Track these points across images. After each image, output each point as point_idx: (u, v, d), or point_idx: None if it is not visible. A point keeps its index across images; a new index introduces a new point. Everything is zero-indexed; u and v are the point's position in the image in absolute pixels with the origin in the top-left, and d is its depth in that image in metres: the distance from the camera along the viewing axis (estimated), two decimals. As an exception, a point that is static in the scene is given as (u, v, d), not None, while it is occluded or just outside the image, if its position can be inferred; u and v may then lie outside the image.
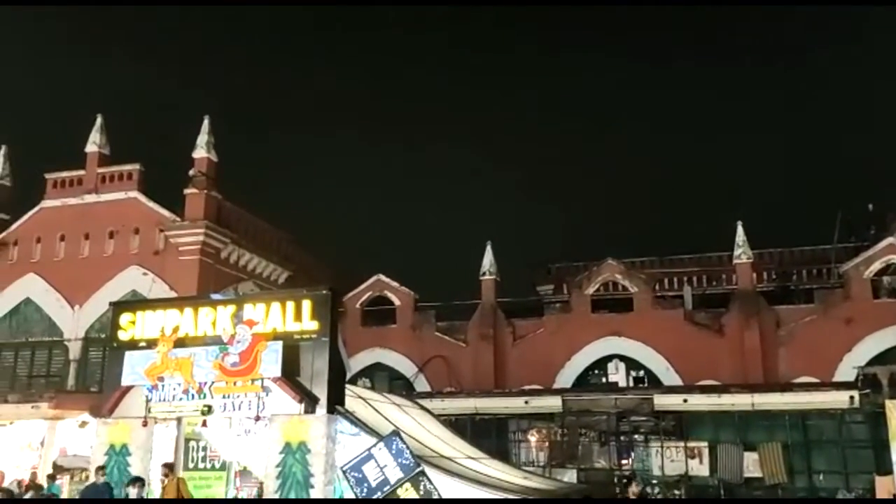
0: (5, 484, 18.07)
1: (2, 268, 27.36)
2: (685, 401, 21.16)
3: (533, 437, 23.04)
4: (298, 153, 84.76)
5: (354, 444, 13.47)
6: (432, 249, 64.00)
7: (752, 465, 20.25)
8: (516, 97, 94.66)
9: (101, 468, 14.14)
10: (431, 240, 68.68)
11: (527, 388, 24.59)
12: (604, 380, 26.46)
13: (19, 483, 18.39)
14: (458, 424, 20.67)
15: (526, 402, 22.49)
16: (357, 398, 15.24)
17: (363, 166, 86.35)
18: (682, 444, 20.92)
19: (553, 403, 22.13)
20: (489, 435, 21.66)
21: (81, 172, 27.44)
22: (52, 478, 18.23)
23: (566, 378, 26.29)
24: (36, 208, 27.82)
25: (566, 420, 21.97)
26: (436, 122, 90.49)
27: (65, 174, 27.68)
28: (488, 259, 29.23)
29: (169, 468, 13.80)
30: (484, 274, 29.10)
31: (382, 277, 29.94)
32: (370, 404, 15.56)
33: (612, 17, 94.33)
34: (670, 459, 20.90)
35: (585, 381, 26.37)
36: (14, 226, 27.87)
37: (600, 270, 27.83)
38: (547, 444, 22.63)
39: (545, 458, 22.35)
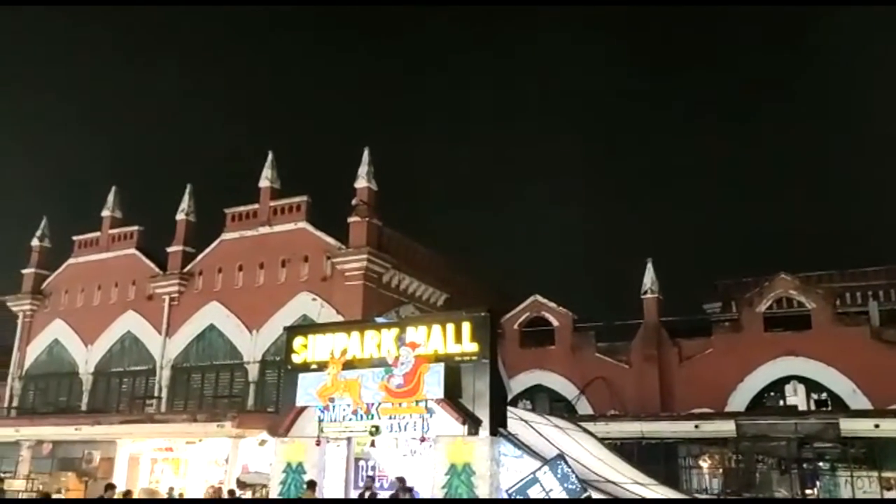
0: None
1: (189, 296, 29.87)
2: (877, 426, 19.36)
3: (705, 463, 21.94)
4: (452, 175, 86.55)
5: (518, 467, 13.36)
6: (590, 268, 62.90)
7: (961, 499, 18.18)
8: (673, 105, 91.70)
9: (401, 478, 15.03)
10: (589, 258, 67.58)
11: (696, 411, 23.44)
12: (781, 402, 24.80)
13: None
14: (624, 449, 20.00)
15: (696, 427, 21.49)
16: (519, 420, 15.13)
17: (518, 185, 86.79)
18: (875, 473, 19.12)
19: (726, 428, 20.98)
20: (657, 460, 20.78)
21: (256, 206, 29.48)
22: (230, 493, 19.20)
23: (739, 401, 24.87)
24: (217, 241, 30.16)
25: (741, 446, 20.74)
26: (593, 136, 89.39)
27: (241, 208, 29.85)
28: (649, 276, 28.36)
29: (310, 486, 14.30)
30: (646, 292, 28.25)
31: (539, 298, 29.72)
32: (532, 426, 15.40)
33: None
34: (862, 491, 19.16)
35: (760, 403, 24.83)
36: (199, 258, 30.35)
37: (773, 286, 26.22)
38: (721, 470, 21.47)
39: (719, 485, 21.21)
